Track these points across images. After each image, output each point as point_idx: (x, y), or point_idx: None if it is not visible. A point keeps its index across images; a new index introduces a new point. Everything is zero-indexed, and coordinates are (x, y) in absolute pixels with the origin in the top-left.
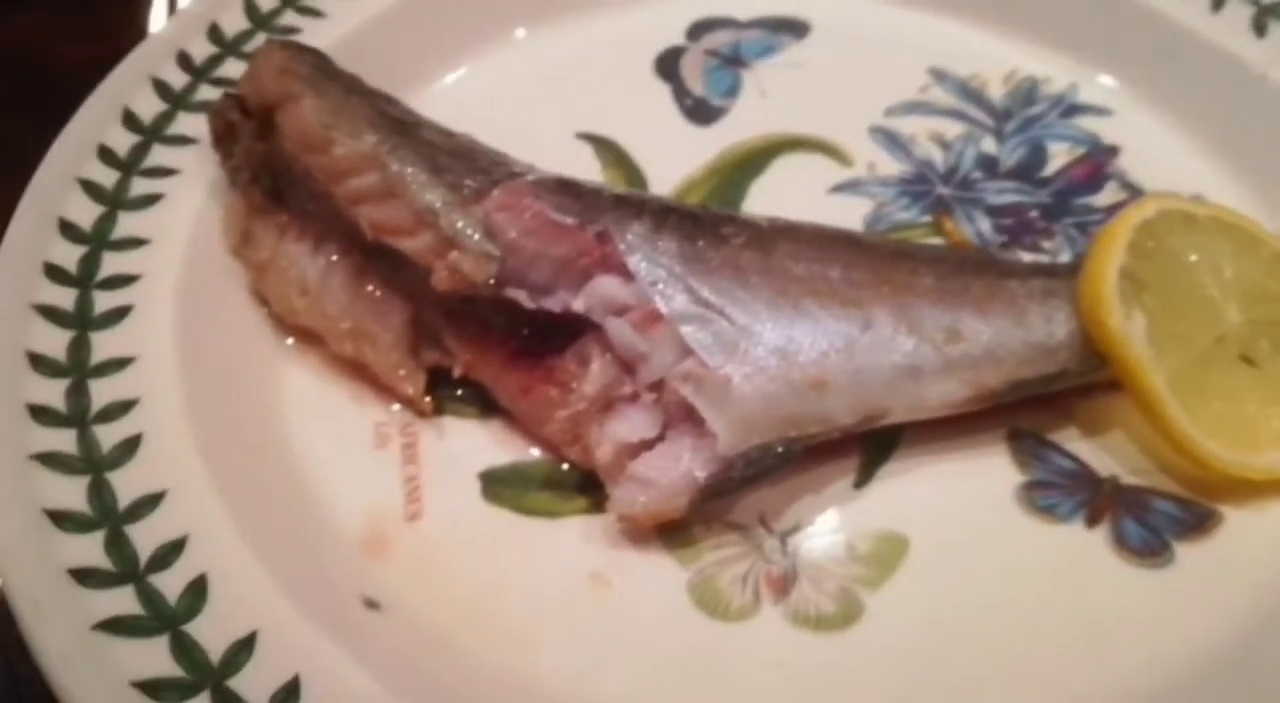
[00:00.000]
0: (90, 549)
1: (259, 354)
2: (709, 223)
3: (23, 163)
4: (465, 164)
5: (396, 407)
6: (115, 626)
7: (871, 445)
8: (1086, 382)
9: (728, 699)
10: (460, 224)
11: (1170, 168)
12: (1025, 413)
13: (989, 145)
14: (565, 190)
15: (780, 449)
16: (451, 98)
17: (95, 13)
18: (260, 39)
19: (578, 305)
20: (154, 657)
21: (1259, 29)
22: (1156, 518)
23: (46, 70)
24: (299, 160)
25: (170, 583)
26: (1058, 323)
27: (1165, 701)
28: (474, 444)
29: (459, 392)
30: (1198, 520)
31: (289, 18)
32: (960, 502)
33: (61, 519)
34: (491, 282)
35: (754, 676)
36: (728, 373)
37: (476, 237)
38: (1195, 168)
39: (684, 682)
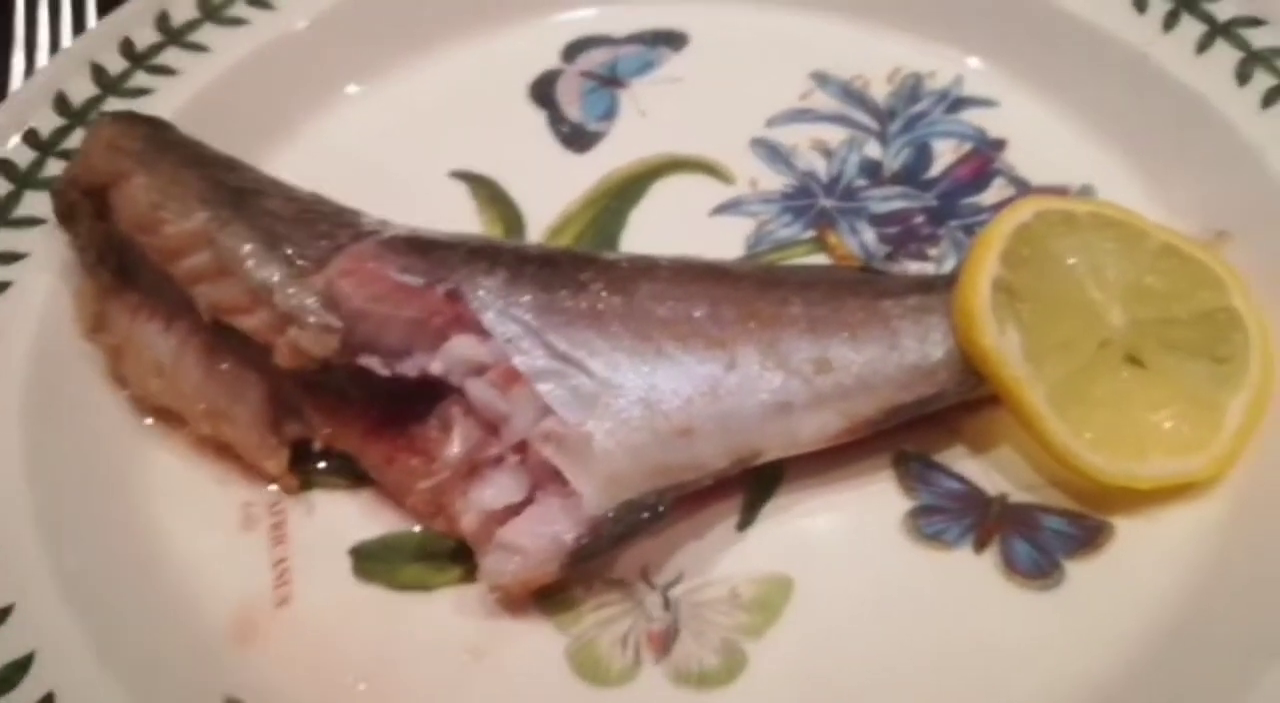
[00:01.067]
0: None
1: (118, 442)
2: (567, 268)
3: None
4: (306, 231)
5: (268, 487)
6: None
7: (754, 483)
8: (969, 399)
9: None
10: (297, 298)
11: (1058, 158)
12: (909, 434)
13: (873, 149)
14: (413, 248)
15: (651, 502)
16: (318, 146)
17: None
18: (110, 105)
19: (434, 368)
20: None
21: (1139, 6)
22: (1045, 537)
23: None
24: (134, 239)
25: None
26: (933, 343)
27: None
28: (344, 518)
29: (323, 464)
30: (1088, 535)
31: (140, 78)
32: (845, 536)
33: None
34: (337, 353)
35: None
36: (589, 429)
37: (316, 309)
38: (1084, 156)
39: None
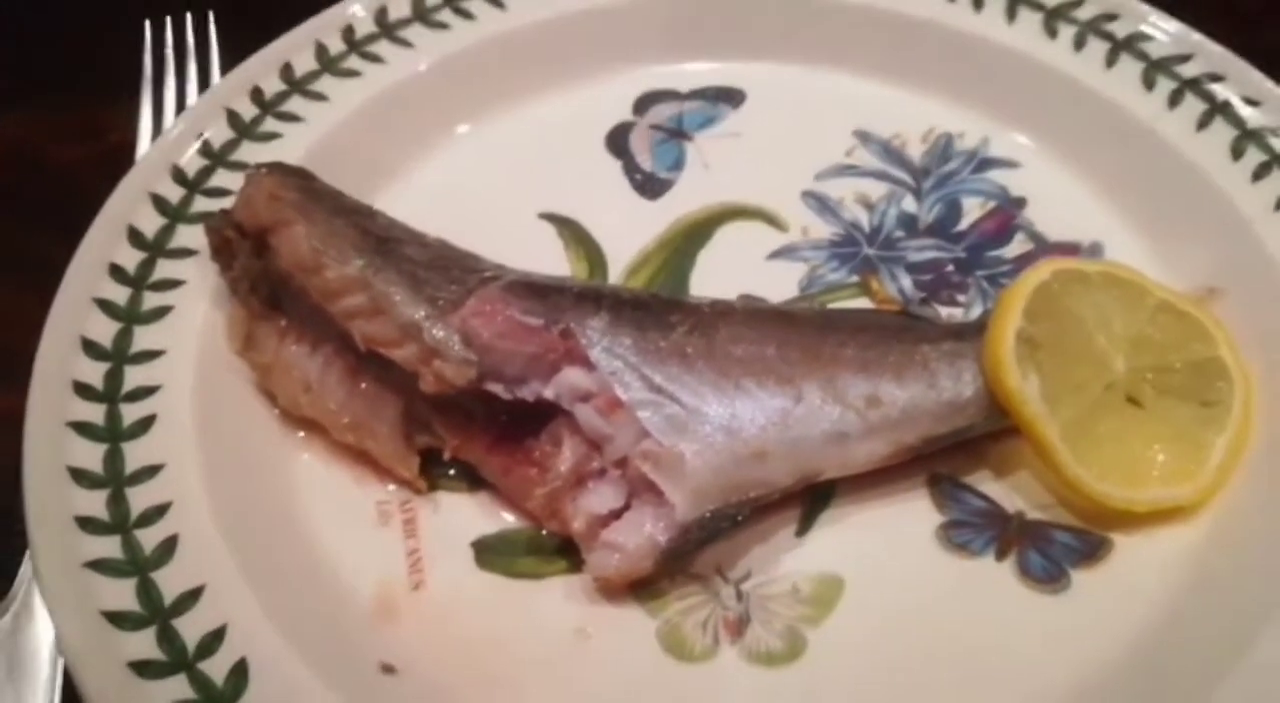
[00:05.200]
0: (145, 644)
1: (272, 446)
2: (658, 311)
3: (18, 264)
4: (441, 275)
5: (394, 487)
6: None
7: (810, 498)
8: (994, 430)
9: None
10: (440, 334)
11: (1072, 217)
12: (943, 459)
13: (909, 204)
14: (531, 292)
15: (730, 512)
16: (423, 189)
17: (82, 111)
18: (245, 148)
19: (548, 394)
20: None
21: (1148, 83)
22: (1056, 549)
23: (39, 171)
24: (293, 278)
25: (216, 668)
26: (965, 383)
27: None
28: (465, 516)
29: (450, 471)
30: (1092, 549)
31: (270, 124)
32: (888, 543)
33: (117, 619)
34: (471, 382)
35: None
36: (681, 450)
37: (455, 344)
38: (1095, 216)
39: None
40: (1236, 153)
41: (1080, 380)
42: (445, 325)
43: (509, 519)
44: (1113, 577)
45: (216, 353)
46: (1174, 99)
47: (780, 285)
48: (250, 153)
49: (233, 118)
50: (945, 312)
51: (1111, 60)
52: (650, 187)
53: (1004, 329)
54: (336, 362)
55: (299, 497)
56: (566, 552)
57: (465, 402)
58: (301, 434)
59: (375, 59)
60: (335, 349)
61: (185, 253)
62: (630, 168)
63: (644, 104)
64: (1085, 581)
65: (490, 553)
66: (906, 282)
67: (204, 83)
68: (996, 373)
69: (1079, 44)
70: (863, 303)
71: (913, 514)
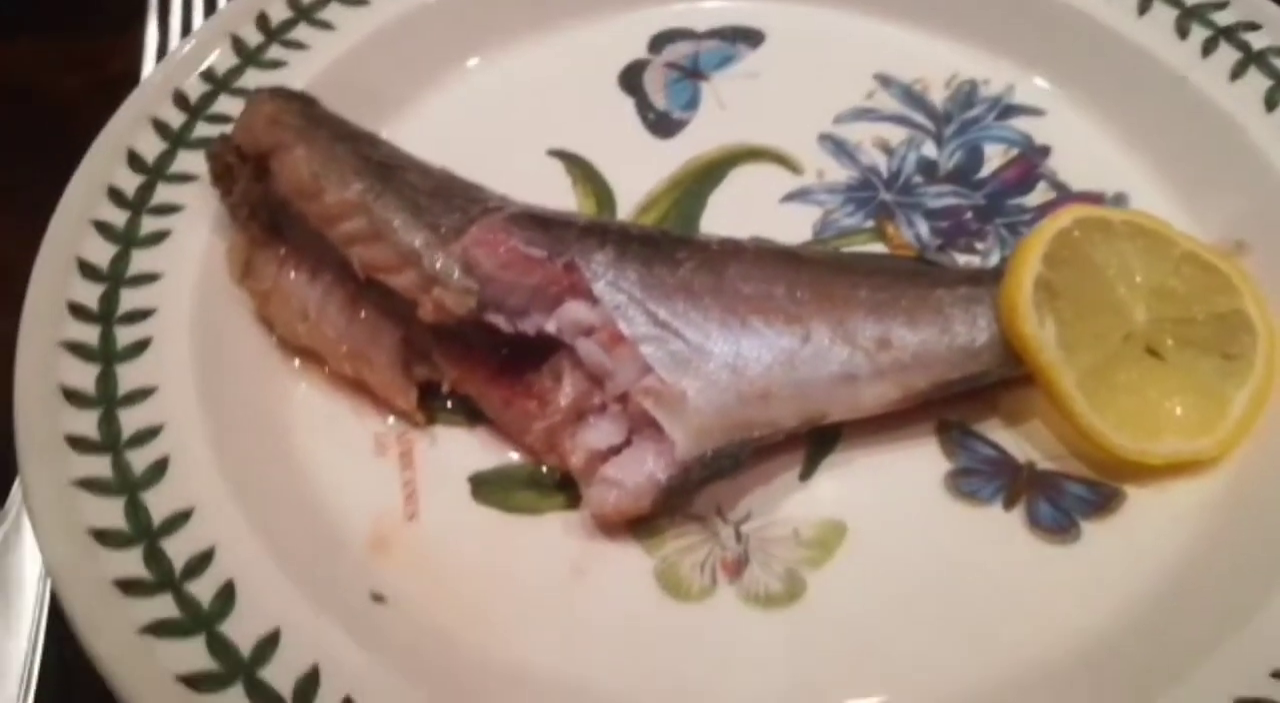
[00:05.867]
0: (131, 562)
1: (268, 374)
2: (665, 247)
3: (23, 195)
4: (443, 204)
5: (393, 419)
6: (158, 629)
7: (816, 441)
8: (1007, 377)
9: (691, 672)
10: (441, 262)
11: (1097, 167)
12: (953, 406)
13: (929, 150)
14: (535, 224)
15: (732, 452)
16: (430, 122)
17: (85, 42)
18: (249, 75)
19: (550, 328)
20: (193, 654)
21: (1181, 32)
22: (1067, 499)
23: (41, 102)
24: (293, 203)
25: (203, 589)
26: (980, 328)
27: (1073, 666)
28: (463, 450)
29: (449, 403)
30: (1104, 500)
31: (275, 51)
32: (893, 490)
33: (104, 537)
34: (472, 312)
35: (713, 650)
36: (683, 387)
37: (456, 273)
38: (1120, 166)
39: (653, 658)
40: (1270, 104)
41: (1099, 329)
42: (446, 253)
43: (508, 455)
44: (1124, 529)
45: (215, 279)
46: (1207, 48)
47: (793, 229)
48: (254, 79)
49: (237, 44)
50: (963, 259)
51: (1144, 7)
52: (663, 126)
53: (1022, 275)
54: (336, 291)
55: (295, 425)
56: (565, 487)
57: (465, 333)
58: (299, 363)
59: None
60: (335, 278)
61: (186, 178)
62: (643, 106)
63: (659, 42)
64: (1095, 532)
65: (487, 487)
66: (924, 228)
67: (210, 11)
68: (1012, 318)
69: None
70: (878, 249)
71: (920, 461)
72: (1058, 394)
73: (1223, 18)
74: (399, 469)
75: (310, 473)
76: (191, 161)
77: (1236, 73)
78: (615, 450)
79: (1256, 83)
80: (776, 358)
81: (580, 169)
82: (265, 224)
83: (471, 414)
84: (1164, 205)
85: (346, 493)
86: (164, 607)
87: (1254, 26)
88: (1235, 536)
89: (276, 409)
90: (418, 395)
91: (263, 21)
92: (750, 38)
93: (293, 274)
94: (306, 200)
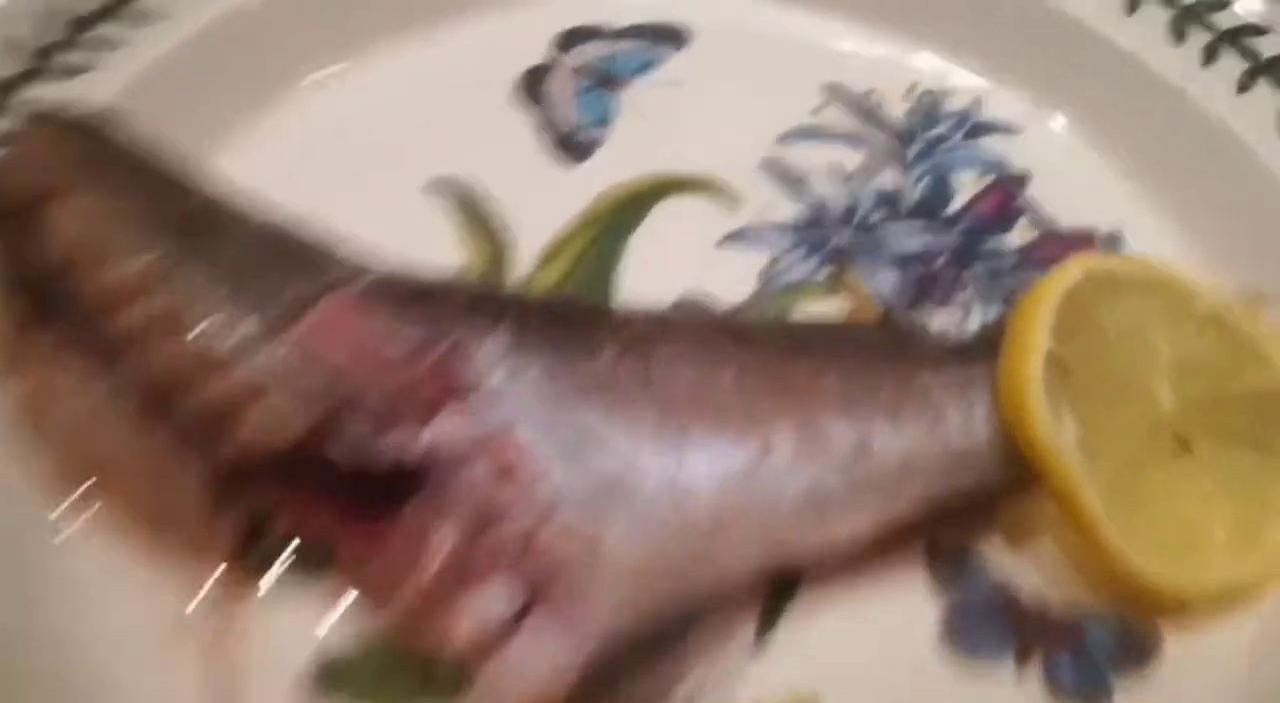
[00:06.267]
0: None
1: (23, 514)
2: (577, 326)
3: None
4: (274, 274)
5: (201, 578)
6: None
7: (772, 586)
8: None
9: None
10: (264, 362)
11: (1084, 195)
12: (942, 521)
13: (890, 177)
14: (400, 298)
15: (673, 619)
16: (273, 148)
17: None
18: (35, 89)
19: (420, 447)
20: None
21: (1177, 34)
22: (1092, 648)
23: None
24: (68, 272)
25: None
26: (978, 422)
27: None
28: (302, 622)
29: (280, 554)
30: (1137, 647)
31: (74, 57)
32: (876, 645)
33: None
34: (309, 434)
35: None
36: (604, 529)
37: (288, 376)
38: (1111, 196)
39: None
40: None
41: (1123, 421)
42: (272, 347)
43: (363, 628)
44: (1167, 686)
45: None
46: (1209, 54)
47: (734, 280)
48: (44, 92)
49: (18, 47)
50: (938, 317)
51: (1132, 5)
52: (571, 146)
53: (1028, 352)
54: (124, 394)
55: (52, 592)
56: (447, 675)
57: (302, 458)
58: (65, 497)
59: None
60: (126, 377)
61: None
62: (545, 123)
63: (566, 43)
64: (1132, 692)
65: (337, 678)
66: (890, 277)
67: None
68: (1020, 416)
69: None
70: (837, 304)
71: (907, 603)
72: (1078, 512)
73: (1224, 19)
74: (209, 656)
75: (74, 668)
76: None
77: (1244, 85)
78: (514, 622)
79: (1268, 97)
80: (729, 479)
81: (467, 206)
82: (34, 300)
83: (313, 567)
84: (1168, 242)
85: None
86: None
87: (1261, 31)
88: None
89: (31, 568)
90: (237, 543)
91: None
92: (673, 37)
93: (66, 372)
94: (82, 271)
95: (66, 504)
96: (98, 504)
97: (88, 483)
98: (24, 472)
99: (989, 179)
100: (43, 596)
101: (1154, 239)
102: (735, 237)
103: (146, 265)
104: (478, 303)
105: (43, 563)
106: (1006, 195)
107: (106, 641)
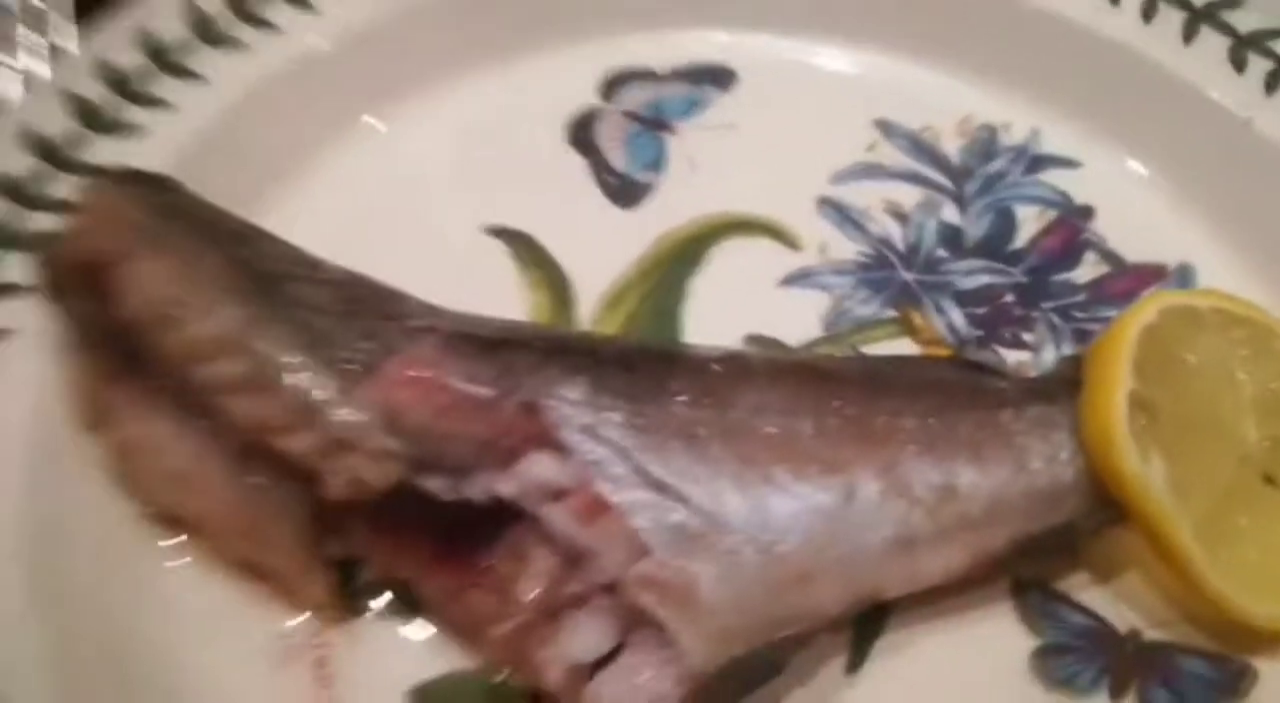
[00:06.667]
0: None
1: (127, 558)
2: (652, 371)
3: None
4: (350, 327)
5: (302, 615)
6: None
7: (861, 619)
8: (1096, 527)
9: None
10: (350, 416)
11: (1150, 230)
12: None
13: (950, 214)
14: (479, 349)
15: (765, 657)
16: (330, 200)
17: None
18: (99, 145)
19: (506, 491)
20: None
21: (1237, 64)
22: (1186, 681)
23: None
24: (146, 333)
25: None
26: (1062, 463)
27: None
28: (398, 654)
29: (377, 594)
30: (1231, 680)
31: (133, 113)
32: (969, 679)
33: None
34: (398, 481)
35: None
36: (694, 573)
37: (372, 429)
38: (1177, 228)
39: None
40: None
41: (1211, 458)
42: (355, 402)
43: (458, 659)
44: None
45: (51, 427)
46: (1271, 83)
47: (798, 322)
48: (102, 151)
49: (81, 107)
50: (1010, 356)
51: (1190, 33)
52: (626, 192)
53: (1113, 392)
54: (219, 442)
55: (165, 628)
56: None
57: (394, 503)
58: (170, 542)
59: (268, 26)
60: (215, 425)
61: (11, 290)
62: (599, 167)
63: (613, 86)
64: None
65: None
66: (957, 316)
67: None
68: (1107, 453)
69: (1148, 14)
70: (904, 345)
71: (997, 638)
72: (1172, 550)
73: None
74: (311, 685)
75: (187, 695)
76: (21, 268)
77: None
78: (604, 660)
79: None
80: (815, 524)
81: (527, 251)
82: (122, 354)
83: (408, 604)
84: (1238, 277)
85: None
86: None
87: None
88: None
89: (141, 604)
90: (335, 583)
91: (111, 73)
92: (719, 78)
93: (159, 421)
94: (161, 331)
95: (172, 543)
96: (199, 545)
97: (187, 527)
98: (133, 510)
99: (1052, 214)
100: (152, 626)
101: (1222, 272)
102: (796, 278)
103: (227, 324)
104: (554, 350)
105: (151, 595)
106: (1072, 230)
107: (213, 662)
